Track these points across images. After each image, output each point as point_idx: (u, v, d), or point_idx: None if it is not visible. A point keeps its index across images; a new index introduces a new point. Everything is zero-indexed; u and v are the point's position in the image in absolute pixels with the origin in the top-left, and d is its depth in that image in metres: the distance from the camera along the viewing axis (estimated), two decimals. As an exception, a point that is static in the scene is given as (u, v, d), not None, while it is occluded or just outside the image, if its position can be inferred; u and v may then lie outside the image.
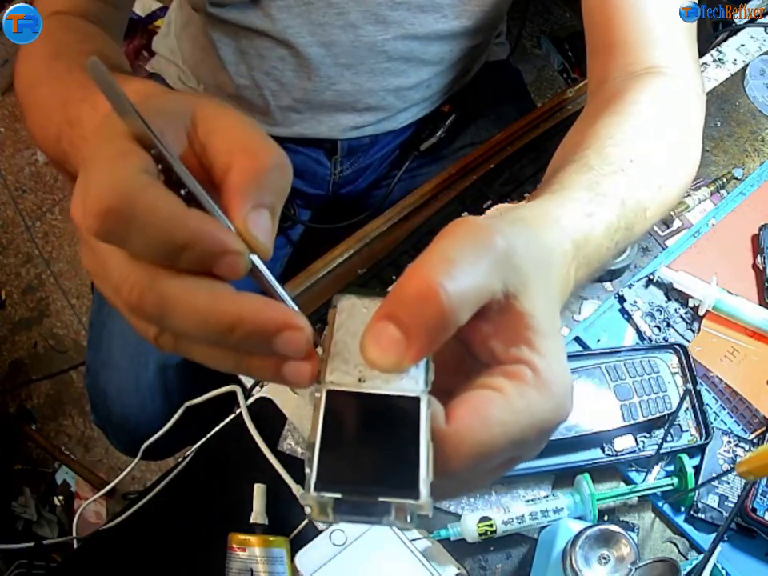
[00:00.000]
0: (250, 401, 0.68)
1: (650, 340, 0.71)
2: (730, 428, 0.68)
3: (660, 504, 0.65)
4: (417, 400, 0.28)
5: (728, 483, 0.65)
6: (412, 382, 0.29)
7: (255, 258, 0.29)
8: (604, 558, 0.57)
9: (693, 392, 0.67)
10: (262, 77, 0.82)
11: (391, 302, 0.28)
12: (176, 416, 0.70)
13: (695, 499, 0.63)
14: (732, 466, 0.65)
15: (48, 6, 0.64)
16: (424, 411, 0.28)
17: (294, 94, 0.83)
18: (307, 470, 0.26)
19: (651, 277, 0.74)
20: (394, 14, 0.75)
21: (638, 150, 0.49)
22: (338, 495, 0.26)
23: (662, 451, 0.64)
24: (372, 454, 0.27)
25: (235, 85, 0.84)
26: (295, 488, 0.64)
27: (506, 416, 0.28)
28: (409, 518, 0.26)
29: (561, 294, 0.36)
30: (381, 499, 0.26)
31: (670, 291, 0.74)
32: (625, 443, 0.66)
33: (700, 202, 0.81)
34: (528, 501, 0.62)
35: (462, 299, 0.28)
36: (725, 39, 0.95)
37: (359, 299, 0.31)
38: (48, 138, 0.51)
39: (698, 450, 0.66)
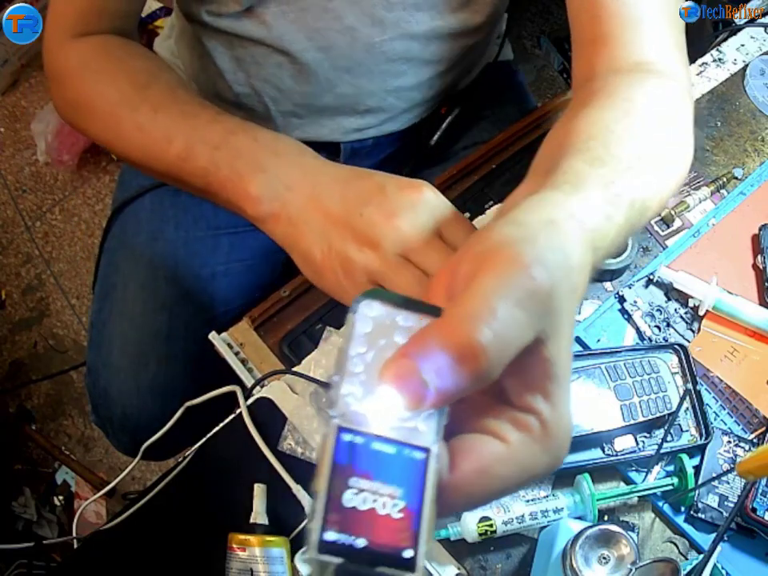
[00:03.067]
0: (250, 401, 0.68)
1: (650, 340, 0.71)
2: (729, 428, 0.68)
3: (660, 504, 0.65)
4: (427, 452, 0.27)
5: (728, 483, 0.65)
6: (424, 426, 0.28)
7: None
8: (604, 558, 0.57)
9: (693, 392, 0.67)
10: (260, 84, 0.82)
11: (425, 344, 0.27)
12: (176, 416, 0.70)
13: (695, 499, 0.63)
14: (732, 466, 0.65)
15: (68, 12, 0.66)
16: (432, 469, 0.27)
17: (294, 99, 0.83)
18: (310, 525, 0.25)
19: (651, 277, 0.74)
20: (390, 15, 0.74)
21: (641, 148, 0.48)
22: (341, 561, 0.25)
23: (662, 451, 0.64)
24: (374, 517, 0.26)
25: (234, 93, 0.84)
26: (295, 488, 0.64)
27: (507, 472, 0.29)
28: None
29: (579, 297, 0.34)
30: (379, 570, 0.25)
31: (670, 291, 0.74)
32: (625, 443, 0.66)
33: (700, 202, 0.81)
34: (528, 501, 0.62)
35: (501, 358, 0.27)
36: (725, 39, 0.95)
37: (385, 307, 0.29)
38: (165, 156, 0.58)
39: (698, 450, 0.66)
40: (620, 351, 0.68)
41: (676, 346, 0.69)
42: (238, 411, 0.68)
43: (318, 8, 0.72)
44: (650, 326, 0.72)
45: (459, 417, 0.30)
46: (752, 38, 0.95)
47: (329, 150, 0.92)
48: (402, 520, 0.26)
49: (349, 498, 0.26)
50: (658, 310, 0.73)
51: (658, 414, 0.65)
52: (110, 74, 0.63)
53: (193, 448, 0.68)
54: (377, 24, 0.75)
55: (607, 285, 0.76)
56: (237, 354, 0.72)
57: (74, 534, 0.82)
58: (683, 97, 0.56)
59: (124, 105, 0.61)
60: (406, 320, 0.29)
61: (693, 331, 0.73)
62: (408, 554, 0.26)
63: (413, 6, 0.74)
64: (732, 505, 0.63)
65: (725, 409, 0.69)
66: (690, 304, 0.74)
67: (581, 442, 0.65)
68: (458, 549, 0.62)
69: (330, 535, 0.25)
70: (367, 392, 0.28)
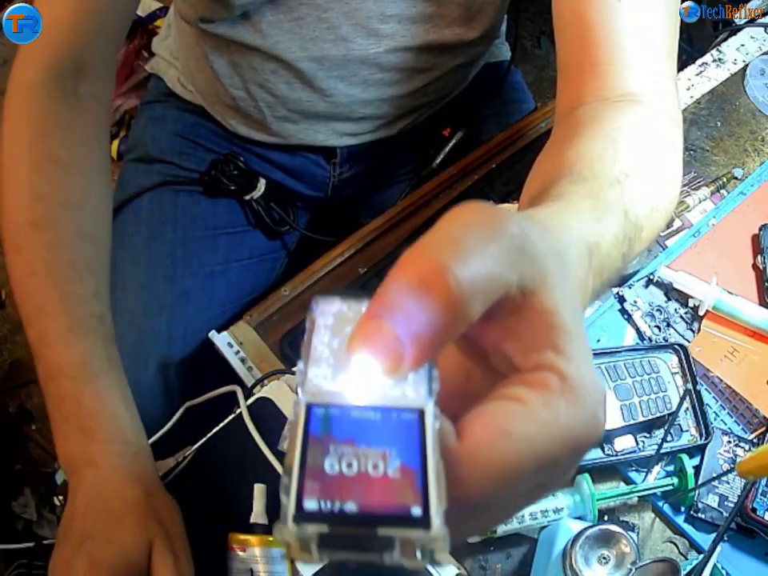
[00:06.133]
0: (250, 401, 0.68)
1: (650, 340, 0.71)
2: (729, 428, 0.68)
3: (660, 504, 0.65)
4: (420, 412, 0.23)
5: (728, 483, 0.65)
6: (412, 392, 0.23)
7: None
8: (604, 558, 0.57)
9: (693, 392, 0.67)
10: (255, 89, 0.82)
11: (385, 292, 0.23)
12: (176, 416, 0.70)
13: (695, 499, 0.63)
14: (732, 466, 0.65)
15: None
16: (430, 424, 0.23)
17: (288, 106, 0.83)
18: (284, 499, 0.21)
19: (651, 277, 0.74)
20: (385, 27, 0.74)
21: (630, 168, 0.46)
22: (324, 528, 0.21)
23: (662, 451, 0.64)
24: (366, 479, 0.22)
25: (231, 96, 0.84)
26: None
27: (531, 429, 0.23)
28: (419, 555, 0.21)
29: (581, 298, 0.31)
30: (381, 532, 0.21)
31: (670, 291, 0.74)
32: (625, 443, 0.66)
33: (700, 202, 0.81)
34: (528, 501, 0.62)
35: (474, 288, 0.23)
36: (725, 39, 0.95)
37: (344, 302, 0.26)
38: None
39: (698, 450, 0.66)
40: (620, 351, 0.68)
41: (676, 346, 0.69)
42: (237, 411, 0.68)
43: (313, 18, 0.72)
44: (650, 326, 0.72)
45: (466, 403, 0.26)
46: (752, 37, 0.95)
47: (325, 153, 0.92)
48: (401, 479, 0.22)
49: (331, 465, 0.22)
50: (658, 309, 0.73)
51: (658, 414, 0.65)
52: (29, 281, 0.63)
53: (193, 448, 0.68)
54: (371, 36, 0.75)
55: (607, 285, 0.76)
56: (237, 353, 0.72)
57: (74, 534, 0.81)
58: (671, 126, 0.54)
59: (12, 231, 0.62)
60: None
61: (693, 331, 0.73)
62: (416, 510, 0.21)
63: (408, 19, 0.74)
64: (732, 505, 0.63)
65: (725, 409, 0.69)
66: (690, 304, 0.74)
67: (581, 442, 0.65)
68: (458, 549, 0.62)
69: (310, 504, 0.21)
70: (338, 371, 0.24)
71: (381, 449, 0.22)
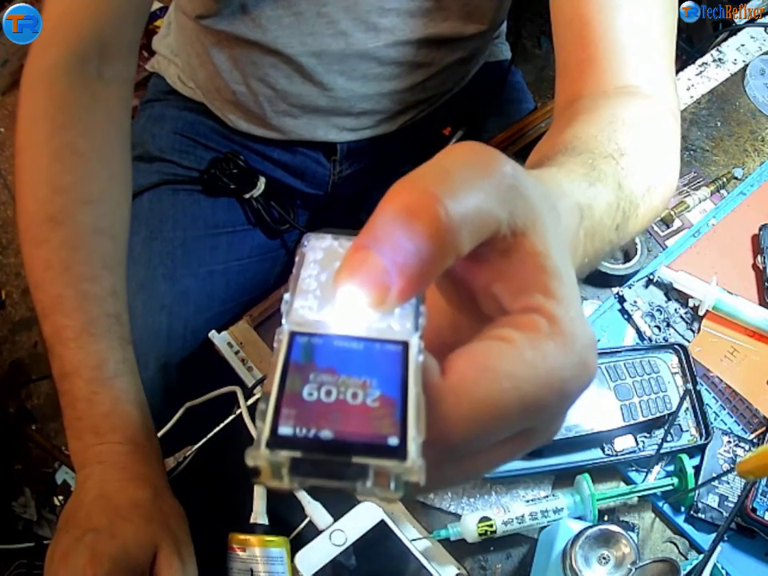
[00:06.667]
0: (250, 401, 0.68)
1: (650, 340, 0.71)
2: (729, 428, 0.68)
3: (660, 504, 0.65)
4: (404, 345, 0.23)
5: (728, 483, 0.65)
6: (397, 326, 0.23)
7: None
8: (604, 558, 0.57)
9: (693, 392, 0.67)
10: (256, 83, 0.82)
11: (373, 223, 0.23)
12: (176, 416, 0.70)
13: (695, 499, 0.63)
14: (732, 466, 0.65)
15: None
16: (413, 356, 0.22)
17: (288, 100, 0.83)
18: (259, 424, 0.21)
19: (651, 277, 0.74)
20: (384, 21, 0.75)
21: (626, 148, 0.47)
22: (297, 454, 0.21)
23: (662, 451, 0.64)
24: (344, 407, 0.21)
25: (231, 91, 0.84)
26: (295, 488, 0.64)
27: (517, 369, 0.23)
28: (393, 485, 0.21)
29: (572, 251, 0.30)
30: (355, 460, 0.20)
31: (670, 291, 0.74)
32: (625, 443, 0.66)
33: (700, 202, 0.81)
34: (528, 501, 0.62)
35: (463, 219, 0.22)
36: (725, 39, 0.95)
37: (335, 238, 0.26)
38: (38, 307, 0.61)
39: (698, 450, 0.66)
40: (620, 351, 0.68)
41: (676, 346, 0.69)
42: (237, 411, 0.68)
43: (312, 13, 0.73)
44: (649, 326, 0.72)
45: (452, 346, 0.25)
46: (752, 37, 0.95)
47: (325, 150, 0.92)
48: (380, 408, 0.21)
49: (309, 392, 0.22)
50: (658, 309, 0.73)
51: (658, 414, 0.65)
52: (47, 278, 0.61)
53: (193, 448, 0.68)
54: (370, 30, 0.75)
55: (607, 285, 0.76)
56: (237, 353, 0.72)
57: (74, 534, 0.81)
58: (669, 117, 0.55)
59: (30, 224, 0.61)
60: None
61: (693, 331, 0.73)
62: (393, 440, 0.21)
63: (407, 13, 0.74)
64: (732, 505, 0.63)
65: (725, 409, 0.69)
66: (690, 304, 0.74)
67: (581, 442, 0.65)
68: (458, 549, 0.62)
69: (285, 429, 0.21)
70: (324, 303, 0.24)
71: (361, 378, 0.22)
